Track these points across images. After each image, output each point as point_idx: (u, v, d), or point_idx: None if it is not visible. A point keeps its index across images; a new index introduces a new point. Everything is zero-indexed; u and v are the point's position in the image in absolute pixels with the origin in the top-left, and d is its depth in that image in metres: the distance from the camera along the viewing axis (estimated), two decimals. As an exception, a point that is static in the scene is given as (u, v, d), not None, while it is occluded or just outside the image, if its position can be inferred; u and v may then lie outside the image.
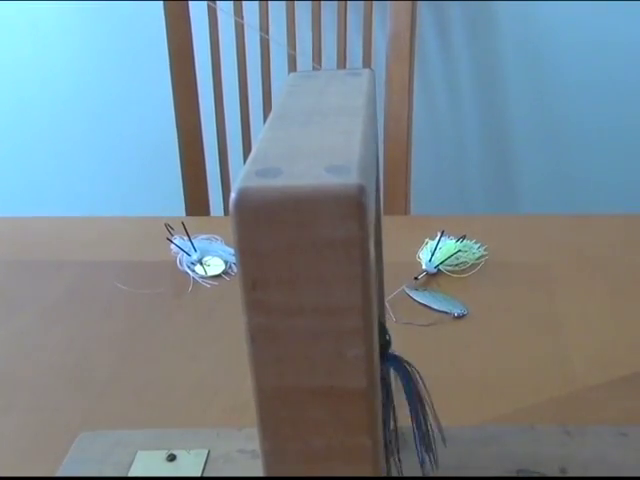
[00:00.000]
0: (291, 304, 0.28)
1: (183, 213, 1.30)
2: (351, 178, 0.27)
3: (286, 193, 0.26)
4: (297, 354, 0.29)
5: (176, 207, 1.30)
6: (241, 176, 0.27)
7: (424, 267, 0.76)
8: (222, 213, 1.34)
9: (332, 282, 0.27)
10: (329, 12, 1.26)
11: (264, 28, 1.24)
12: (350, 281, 0.27)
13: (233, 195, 0.26)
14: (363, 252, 0.27)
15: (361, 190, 0.26)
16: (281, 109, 0.36)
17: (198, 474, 0.50)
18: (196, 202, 1.30)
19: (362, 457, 0.30)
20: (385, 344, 0.40)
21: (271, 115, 0.35)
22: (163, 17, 1.21)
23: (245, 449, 0.52)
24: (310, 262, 0.27)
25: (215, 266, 0.78)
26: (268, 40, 1.24)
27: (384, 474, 0.32)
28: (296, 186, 0.26)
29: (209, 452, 0.52)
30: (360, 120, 0.33)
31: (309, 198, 0.26)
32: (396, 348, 0.66)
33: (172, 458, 0.52)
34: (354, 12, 1.26)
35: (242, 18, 1.24)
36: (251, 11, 1.24)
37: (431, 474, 0.45)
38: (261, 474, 0.32)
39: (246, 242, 0.27)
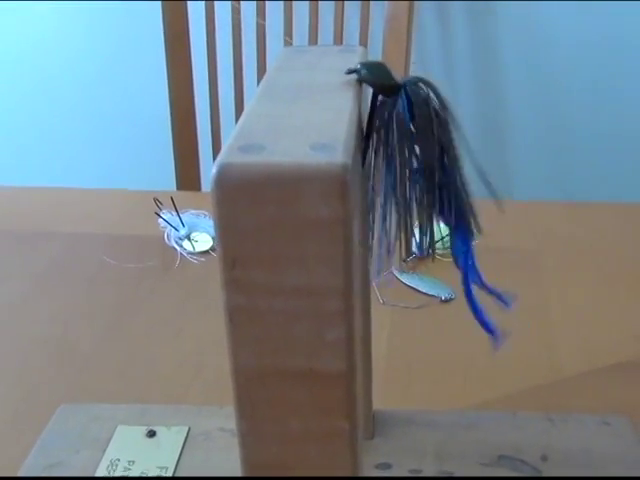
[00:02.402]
0: (271, 284, 0.27)
1: (174, 189, 1.29)
2: (336, 156, 0.26)
3: (268, 170, 0.26)
4: (276, 335, 0.28)
5: (168, 183, 1.29)
6: (223, 151, 0.27)
7: (413, 250, 0.75)
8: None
9: (314, 262, 0.27)
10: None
11: (260, 6, 1.23)
12: (332, 261, 0.27)
13: (214, 171, 0.26)
14: (346, 232, 0.26)
15: (345, 169, 0.25)
16: (269, 84, 0.35)
17: (177, 451, 0.50)
18: (187, 178, 1.30)
19: (339, 440, 0.30)
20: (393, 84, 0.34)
21: (259, 90, 0.34)
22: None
23: (225, 427, 0.51)
24: (291, 241, 0.26)
25: (203, 242, 0.78)
26: (264, 13, 1.23)
27: (360, 453, 0.32)
28: (279, 163, 0.26)
29: (189, 429, 0.52)
30: (350, 97, 0.33)
31: (292, 176, 0.26)
32: (383, 329, 0.66)
33: (152, 434, 0.51)
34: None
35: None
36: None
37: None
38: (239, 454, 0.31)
39: (226, 219, 0.26)
